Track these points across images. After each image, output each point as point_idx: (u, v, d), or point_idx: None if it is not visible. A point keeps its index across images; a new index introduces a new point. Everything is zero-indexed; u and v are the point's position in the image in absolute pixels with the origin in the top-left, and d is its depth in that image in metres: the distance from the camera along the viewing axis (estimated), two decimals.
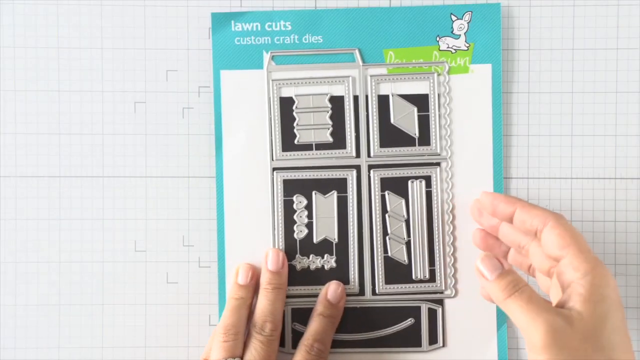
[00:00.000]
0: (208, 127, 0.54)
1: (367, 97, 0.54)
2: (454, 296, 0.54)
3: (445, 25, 0.54)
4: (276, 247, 0.54)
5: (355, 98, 0.54)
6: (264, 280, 0.52)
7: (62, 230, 0.55)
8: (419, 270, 0.54)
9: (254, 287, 0.53)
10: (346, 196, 0.54)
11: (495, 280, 0.43)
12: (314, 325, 0.52)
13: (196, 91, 0.55)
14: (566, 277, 0.42)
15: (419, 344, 0.54)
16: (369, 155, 0.54)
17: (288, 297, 0.54)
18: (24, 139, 0.55)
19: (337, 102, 0.54)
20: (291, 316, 0.54)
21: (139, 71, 0.55)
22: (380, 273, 0.54)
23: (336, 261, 0.54)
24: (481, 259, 0.44)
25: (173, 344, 0.54)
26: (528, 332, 0.40)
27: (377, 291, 0.54)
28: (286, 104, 0.54)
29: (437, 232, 0.54)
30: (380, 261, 0.54)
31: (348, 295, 0.54)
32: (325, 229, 0.54)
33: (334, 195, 0.54)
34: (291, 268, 0.54)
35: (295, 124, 0.54)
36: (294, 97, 0.54)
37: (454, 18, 0.53)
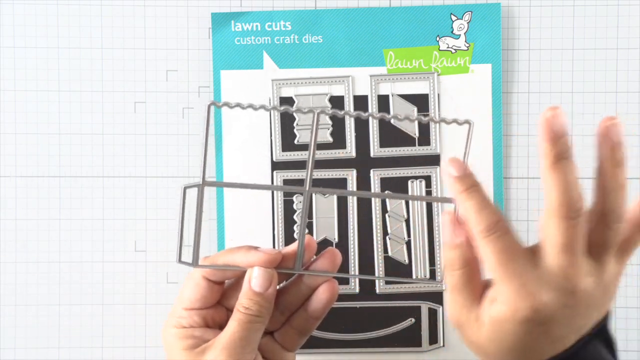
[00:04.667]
0: None
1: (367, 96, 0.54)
2: None
3: (445, 25, 0.54)
4: (277, 247, 0.53)
5: (355, 98, 0.54)
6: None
7: (62, 230, 0.55)
8: (419, 270, 0.54)
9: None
10: (346, 196, 0.54)
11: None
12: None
13: (196, 91, 0.55)
14: None
15: (419, 344, 0.54)
16: (369, 155, 0.54)
17: None
18: (24, 139, 0.55)
19: (337, 102, 0.54)
20: None
21: (139, 71, 0.55)
22: (380, 273, 0.54)
23: None
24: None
25: None
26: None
27: (377, 291, 0.54)
28: (286, 104, 0.54)
29: (437, 232, 0.54)
30: (380, 261, 0.54)
31: (348, 295, 0.54)
32: (325, 229, 0.54)
33: (334, 195, 0.54)
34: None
35: (295, 124, 0.54)
36: (294, 97, 0.54)
37: (454, 18, 0.53)
